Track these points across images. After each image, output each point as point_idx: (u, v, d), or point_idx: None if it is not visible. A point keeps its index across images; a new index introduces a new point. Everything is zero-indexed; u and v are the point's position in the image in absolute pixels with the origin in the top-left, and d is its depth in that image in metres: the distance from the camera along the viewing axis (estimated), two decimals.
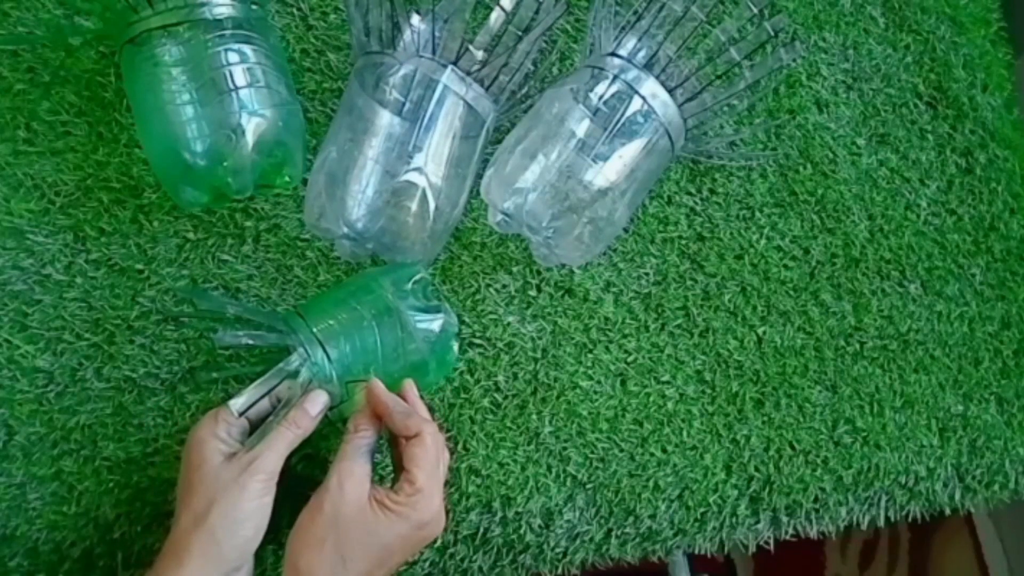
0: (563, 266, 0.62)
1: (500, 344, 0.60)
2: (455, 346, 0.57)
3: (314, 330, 0.51)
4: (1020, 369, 0.70)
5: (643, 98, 0.55)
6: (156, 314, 0.56)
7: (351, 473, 0.46)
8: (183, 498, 0.46)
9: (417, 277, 0.55)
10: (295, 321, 0.51)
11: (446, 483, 0.54)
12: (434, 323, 0.54)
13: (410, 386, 0.52)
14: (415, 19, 0.55)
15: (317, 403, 0.49)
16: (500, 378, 0.59)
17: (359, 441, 0.48)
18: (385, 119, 0.53)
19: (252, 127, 0.52)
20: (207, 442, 0.47)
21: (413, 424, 0.48)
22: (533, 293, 0.61)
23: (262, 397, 0.50)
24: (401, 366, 0.53)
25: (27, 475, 0.53)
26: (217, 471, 0.45)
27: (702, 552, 0.61)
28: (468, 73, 0.54)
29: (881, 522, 0.64)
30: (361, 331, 0.52)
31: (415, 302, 0.54)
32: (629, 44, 0.57)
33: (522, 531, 0.57)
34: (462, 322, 0.60)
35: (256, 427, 0.50)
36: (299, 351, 0.50)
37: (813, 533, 0.63)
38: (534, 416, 0.59)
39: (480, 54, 0.56)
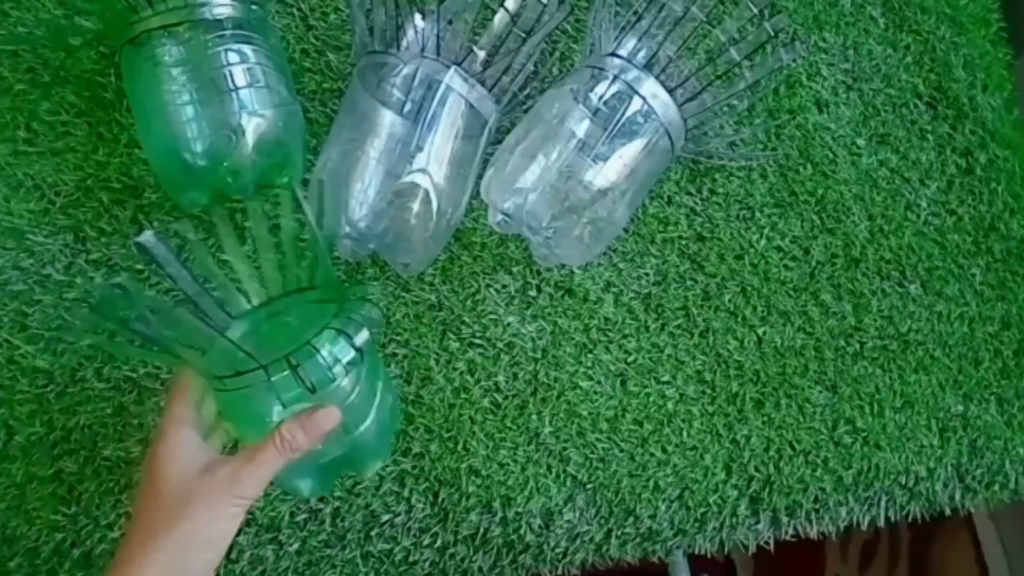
0: (563, 266, 0.62)
1: (500, 344, 0.60)
2: None
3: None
4: (1020, 369, 0.70)
5: (643, 98, 0.55)
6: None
7: None
8: (145, 506, 0.41)
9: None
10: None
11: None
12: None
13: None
14: (418, 19, 0.55)
15: (330, 420, 0.42)
16: (500, 378, 0.59)
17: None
18: (387, 119, 0.53)
19: (252, 127, 0.52)
20: (181, 449, 0.42)
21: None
22: (533, 293, 0.61)
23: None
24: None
25: (27, 475, 0.53)
26: (190, 484, 0.41)
27: (702, 552, 0.61)
28: (471, 74, 0.54)
29: (881, 522, 0.64)
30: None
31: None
32: (629, 44, 0.57)
33: (522, 531, 0.57)
34: (462, 322, 0.60)
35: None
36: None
37: (813, 533, 0.63)
38: (534, 416, 0.59)
39: (483, 55, 0.56)
